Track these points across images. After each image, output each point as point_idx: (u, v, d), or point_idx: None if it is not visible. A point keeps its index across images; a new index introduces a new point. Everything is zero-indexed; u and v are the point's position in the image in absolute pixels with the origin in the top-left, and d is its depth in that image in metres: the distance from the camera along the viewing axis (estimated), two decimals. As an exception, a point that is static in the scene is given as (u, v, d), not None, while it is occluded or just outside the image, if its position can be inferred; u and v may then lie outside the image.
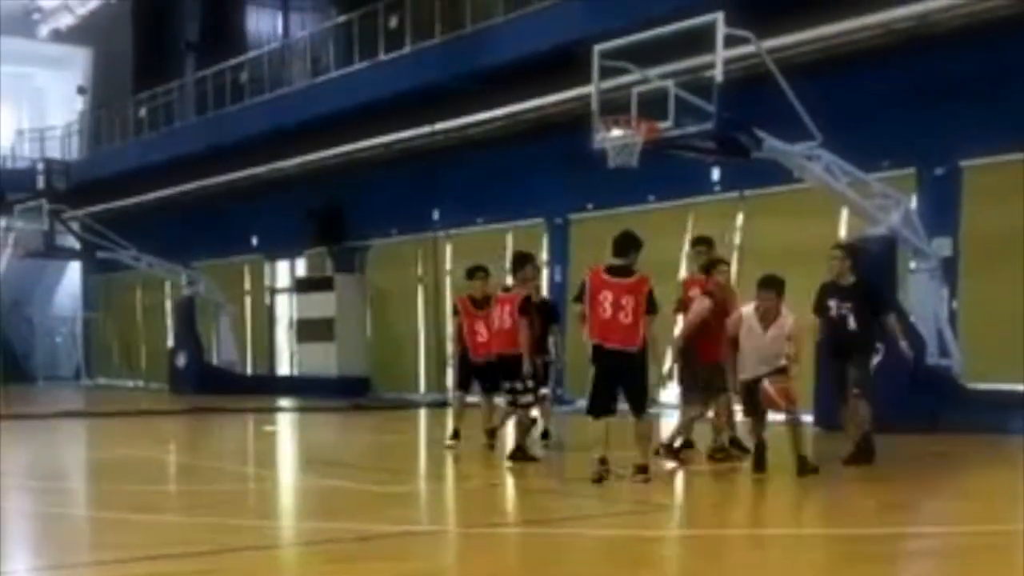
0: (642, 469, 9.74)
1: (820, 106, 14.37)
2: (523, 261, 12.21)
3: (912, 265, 15.79)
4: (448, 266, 23.72)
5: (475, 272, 13.17)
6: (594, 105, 15.82)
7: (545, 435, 13.29)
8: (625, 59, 15.51)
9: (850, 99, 16.45)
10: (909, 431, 13.24)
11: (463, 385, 13.17)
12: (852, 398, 10.78)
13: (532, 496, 10.19)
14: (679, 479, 10.62)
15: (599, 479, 9.59)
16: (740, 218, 18.49)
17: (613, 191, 18.59)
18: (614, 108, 15.81)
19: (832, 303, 10.97)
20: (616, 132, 15.74)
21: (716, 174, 18.61)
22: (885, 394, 14.20)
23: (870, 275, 15.25)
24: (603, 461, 9.68)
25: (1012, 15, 15.15)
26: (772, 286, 9.96)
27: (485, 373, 12.70)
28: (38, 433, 17.82)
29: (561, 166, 20.28)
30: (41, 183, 34.91)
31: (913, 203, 16.04)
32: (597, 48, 15.49)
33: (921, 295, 15.54)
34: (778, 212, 17.42)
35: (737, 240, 18.08)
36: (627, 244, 9.97)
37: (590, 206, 20.31)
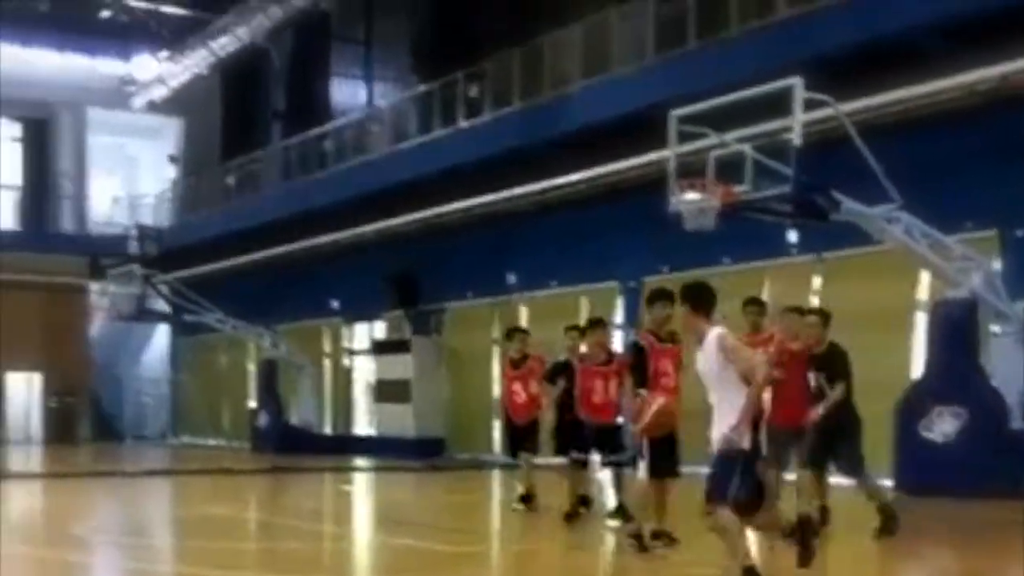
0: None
1: (900, 168, 14.26)
2: (595, 325, 11.96)
3: (994, 329, 15.46)
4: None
5: (513, 333, 13.15)
6: (670, 169, 15.86)
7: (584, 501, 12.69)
8: (702, 123, 15.55)
9: (930, 160, 16.26)
10: (993, 496, 12.94)
11: (515, 450, 13.00)
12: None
13: (597, 558, 10.11)
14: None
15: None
16: (817, 281, 18.33)
17: (688, 253, 18.52)
18: (690, 171, 15.85)
19: (810, 374, 10.33)
20: (692, 196, 15.76)
21: (793, 236, 18.47)
22: (968, 459, 14.02)
23: (952, 339, 15.21)
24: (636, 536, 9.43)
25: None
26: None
27: (527, 434, 12.63)
28: (126, 490, 18.19)
29: (636, 229, 20.30)
30: (134, 248, 35.79)
31: (996, 265, 15.79)
32: (674, 113, 15.59)
33: (1004, 359, 15.19)
34: (856, 274, 17.22)
35: (815, 303, 17.91)
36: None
37: (665, 269, 20.29)
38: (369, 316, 28.91)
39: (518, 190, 22.71)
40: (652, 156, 18.51)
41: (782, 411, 10.25)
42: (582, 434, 11.50)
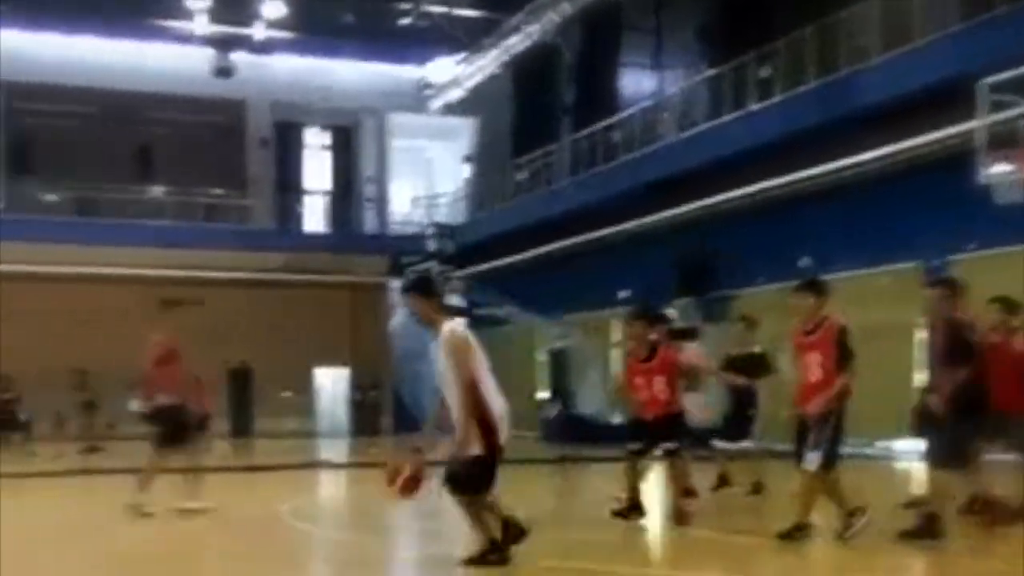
0: None
1: None
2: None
3: None
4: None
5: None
6: (980, 141, 14.97)
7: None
8: (1013, 91, 14.60)
9: None
10: None
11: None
12: None
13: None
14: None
15: None
16: None
17: (998, 229, 17.28)
18: (1000, 143, 14.93)
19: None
20: (1003, 168, 14.92)
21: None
22: None
23: None
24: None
25: None
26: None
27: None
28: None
29: (940, 205, 19.10)
30: (431, 246, 36.99)
31: None
32: (984, 82, 14.65)
33: None
34: None
35: None
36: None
37: (972, 246, 18.96)
38: (658, 305, 28.61)
39: (813, 171, 21.82)
40: (957, 128, 17.44)
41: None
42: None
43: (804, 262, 23.28)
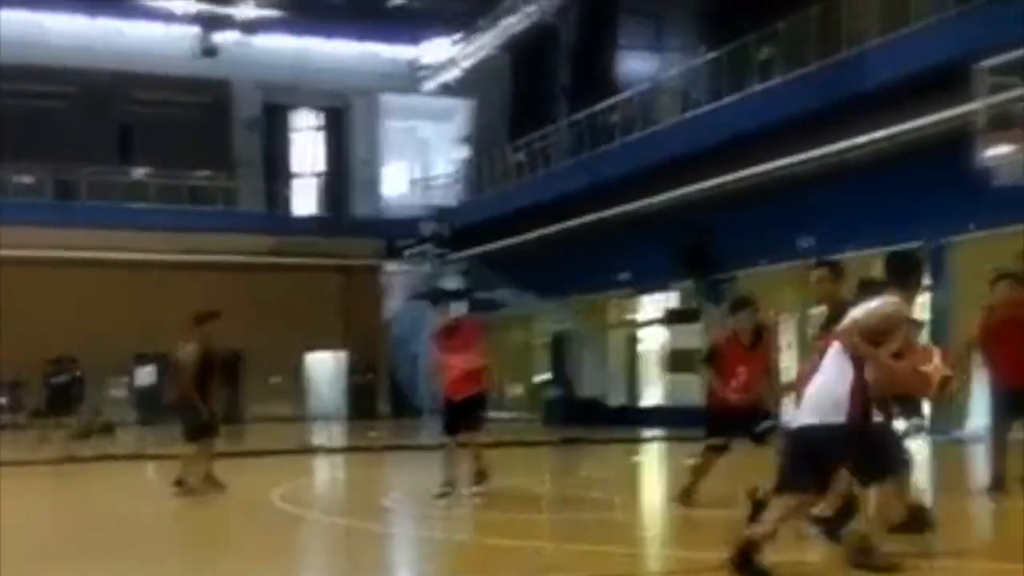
0: None
1: None
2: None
3: None
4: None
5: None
6: (980, 123, 15.00)
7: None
8: (1012, 73, 14.65)
9: None
10: None
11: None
12: None
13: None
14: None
15: None
16: None
17: (998, 210, 17.35)
18: (999, 124, 15.01)
19: None
20: (1004, 149, 14.99)
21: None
22: None
23: None
24: None
25: None
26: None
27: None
28: (422, 464, 18.67)
29: (940, 187, 19.16)
30: (426, 229, 36.80)
31: None
32: (983, 64, 14.68)
33: None
34: None
35: None
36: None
37: (971, 226, 19.04)
38: (659, 287, 28.68)
39: (813, 152, 21.80)
40: (957, 111, 17.48)
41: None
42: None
43: (805, 243, 23.37)
